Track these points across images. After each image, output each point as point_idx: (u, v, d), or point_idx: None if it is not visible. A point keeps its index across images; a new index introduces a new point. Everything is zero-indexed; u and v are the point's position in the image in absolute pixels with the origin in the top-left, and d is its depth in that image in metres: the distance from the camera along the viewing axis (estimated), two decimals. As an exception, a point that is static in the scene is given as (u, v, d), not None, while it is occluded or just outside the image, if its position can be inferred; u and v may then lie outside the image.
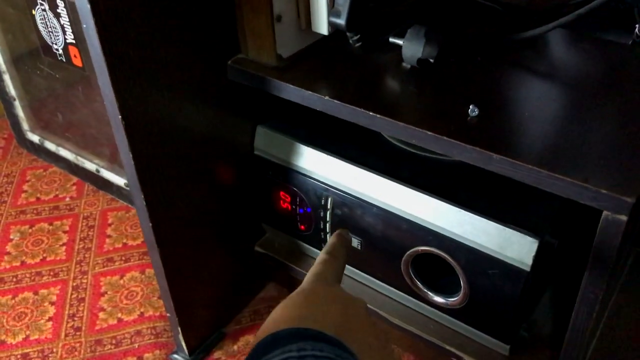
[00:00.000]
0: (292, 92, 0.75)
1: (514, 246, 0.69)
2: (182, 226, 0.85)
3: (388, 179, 0.78)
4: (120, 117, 0.68)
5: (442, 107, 0.70)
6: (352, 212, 0.82)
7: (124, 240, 1.20)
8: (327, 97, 0.72)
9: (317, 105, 0.74)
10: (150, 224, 0.79)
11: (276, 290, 1.08)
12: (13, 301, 1.09)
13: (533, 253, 0.68)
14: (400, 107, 0.71)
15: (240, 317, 1.04)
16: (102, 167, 1.27)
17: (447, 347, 0.83)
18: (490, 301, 0.75)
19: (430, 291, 0.81)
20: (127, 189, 1.24)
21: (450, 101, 0.71)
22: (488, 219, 0.71)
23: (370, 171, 0.80)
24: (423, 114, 0.69)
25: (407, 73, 0.76)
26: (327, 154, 0.83)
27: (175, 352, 0.97)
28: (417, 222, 0.76)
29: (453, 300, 0.79)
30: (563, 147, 0.63)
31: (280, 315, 0.44)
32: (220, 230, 0.93)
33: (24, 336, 1.02)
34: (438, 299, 0.81)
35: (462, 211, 0.72)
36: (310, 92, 0.73)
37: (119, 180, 1.24)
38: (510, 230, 0.69)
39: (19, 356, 0.99)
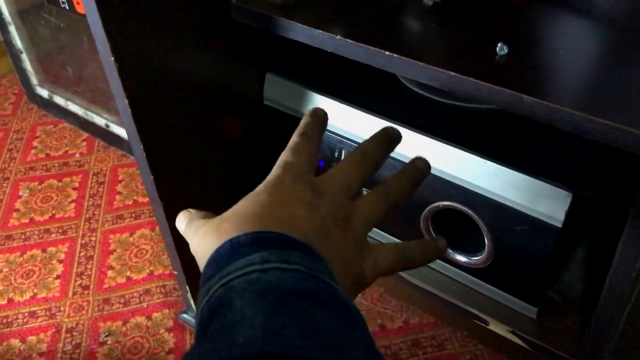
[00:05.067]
0: (300, 32, 0.68)
1: (544, 200, 0.63)
2: (187, 180, 0.80)
3: (406, 127, 0.72)
4: (112, 58, 0.63)
5: (467, 46, 0.63)
6: (367, 165, 0.76)
7: (135, 197, 1.16)
8: (338, 37, 0.65)
9: (327, 45, 0.67)
10: (152, 177, 0.74)
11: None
12: (21, 258, 1.06)
13: (566, 208, 0.62)
14: (421, 46, 0.64)
15: (253, 277, 0.99)
16: (112, 121, 1.22)
17: (470, 309, 0.78)
18: (517, 260, 0.69)
19: (452, 250, 0.75)
20: (137, 144, 1.19)
21: (476, 39, 0.64)
22: (516, 171, 0.64)
23: (387, 120, 0.73)
24: (446, 54, 0.62)
25: (428, 9, 0.69)
26: (341, 102, 0.77)
27: (185, 312, 0.93)
28: (438, 175, 0.70)
29: (476, 260, 0.73)
30: (603, 89, 0.56)
31: (240, 213, 0.37)
32: (227, 185, 0.88)
33: (32, 294, 1.00)
34: (460, 258, 0.75)
35: (488, 162, 0.66)
36: (320, 32, 0.66)
37: (129, 135, 1.20)
38: (541, 183, 0.63)
39: (26, 314, 0.96)
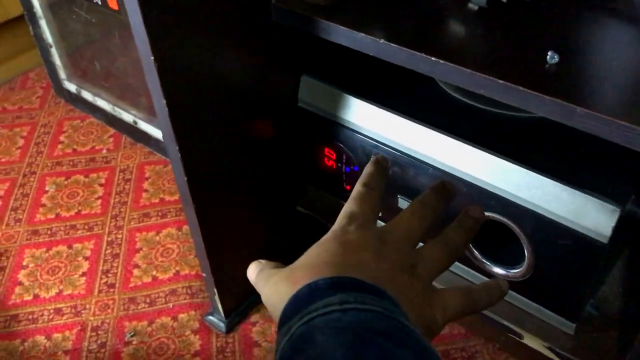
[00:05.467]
0: (342, 35, 0.67)
1: (590, 215, 0.61)
2: (219, 181, 0.79)
3: (446, 135, 0.70)
4: (152, 58, 0.62)
5: (516, 53, 0.61)
6: (404, 172, 0.75)
7: (161, 195, 1.15)
8: (382, 41, 0.64)
9: (370, 49, 0.65)
10: (185, 178, 0.73)
11: (318, 253, 1.02)
12: (47, 254, 1.06)
13: (612, 224, 0.60)
14: (467, 52, 0.63)
15: (280, 280, 0.98)
16: (140, 118, 1.22)
17: (504, 323, 0.76)
18: (558, 275, 0.67)
19: (489, 261, 0.73)
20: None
21: (525, 47, 0.62)
22: (561, 183, 0.62)
23: (426, 126, 0.72)
24: (493, 61, 0.60)
25: (474, 14, 0.67)
26: (378, 107, 0.75)
27: (211, 314, 0.92)
28: (478, 185, 0.68)
29: (515, 272, 0.71)
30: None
31: (311, 262, 0.40)
32: (259, 188, 0.87)
33: (57, 291, 0.99)
34: (498, 270, 0.73)
35: (532, 173, 0.64)
36: (363, 35, 0.65)
37: (157, 133, 1.19)
38: (587, 197, 0.61)
39: (51, 311, 0.96)
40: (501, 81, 0.56)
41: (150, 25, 0.60)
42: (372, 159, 0.51)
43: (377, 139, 0.76)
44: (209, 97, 0.71)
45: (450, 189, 0.51)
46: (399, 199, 0.78)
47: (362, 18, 0.67)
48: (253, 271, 0.47)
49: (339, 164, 0.83)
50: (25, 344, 0.91)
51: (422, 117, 0.73)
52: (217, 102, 0.73)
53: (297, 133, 0.85)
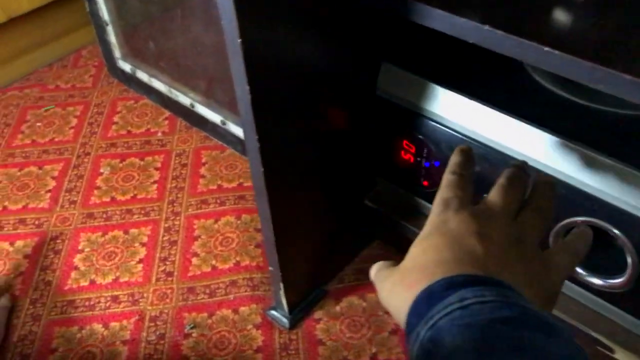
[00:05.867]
0: (439, 19, 0.61)
1: None
2: (293, 173, 0.75)
3: (545, 131, 0.65)
4: (240, 40, 0.57)
5: (636, 43, 0.55)
6: (494, 171, 0.69)
7: (219, 182, 1.12)
8: (487, 27, 0.58)
9: (471, 36, 0.60)
10: (262, 169, 0.69)
11: (381, 249, 0.98)
12: (103, 239, 1.03)
13: None
14: (583, 42, 0.57)
15: (343, 275, 0.94)
16: (197, 101, 1.18)
17: (594, 334, 0.71)
18: (665, 289, 0.62)
19: (585, 270, 0.68)
20: (223, 126, 1.15)
21: (648, 37, 0.56)
22: (679, 190, 0.57)
23: (521, 120, 0.66)
24: (615, 53, 0.55)
25: (586, 0, 0.61)
26: (467, 97, 0.70)
27: (274, 308, 0.89)
28: (579, 188, 0.63)
29: (614, 283, 0.66)
30: None
31: (421, 263, 0.41)
32: (329, 180, 0.83)
33: (114, 277, 0.97)
34: (594, 281, 0.67)
35: (644, 177, 0.58)
36: (464, 20, 0.59)
37: (215, 117, 1.15)
38: None
39: (108, 298, 0.93)
40: (628, 76, 0.51)
41: (240, 2, 0.55)
42: (456, 149, 0.51)
43: (465, 133, 0.71)
44: (289, 84, 0.67)
45: (523, 167, 0.51)
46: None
47: (458, 2, 0.62)
48: (373, 272, 0.48)
49: (418, 158, 0.78)
50: (83, 331, 0.89)
51: (516, 110, 0.67)
52: (297, 90, 0.69)
53: (374, 123, 0.81)
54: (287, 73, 0.66)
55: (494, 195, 0.47)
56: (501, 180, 0.48)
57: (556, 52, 0.54)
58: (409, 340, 0.36)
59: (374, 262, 0.93)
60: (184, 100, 1.20)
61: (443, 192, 0.47)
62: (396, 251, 0.97)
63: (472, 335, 0.32)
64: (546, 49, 0.55)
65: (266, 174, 0.69)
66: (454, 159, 0.50)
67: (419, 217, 0.85)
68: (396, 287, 0.41)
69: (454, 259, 0.39)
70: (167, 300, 0.92)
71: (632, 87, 0.51)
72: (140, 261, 0.99)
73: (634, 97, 0.52)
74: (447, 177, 0.48)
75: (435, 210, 0.45)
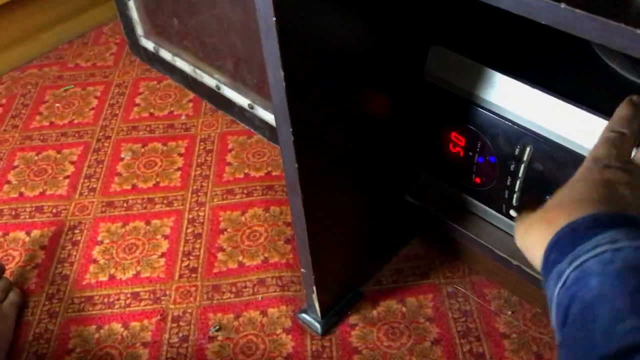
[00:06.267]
0: (506, -3, 0.53)
1: None
2: (330, 168, 0.68)
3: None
4: (274, 18, 0.50)
5: None
6: (559, 169, 0.61)
7: (246, 171, 1.05)
8: (563, 5, 0.49)
9: (543, 15, 0.51)
10: (296, 165, 0.61)
11: (422, 248, 0.90)
12: (123, 230, 0.97)
13: None
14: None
15: (380, 276, 0.87)
16: (223, 83, 1.11)
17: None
18: None
19: None
20: (251, 110, 1.07)
21: None
22: None
23: (592, 112, 0.57)
24: None
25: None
26: (527, 84, 0.62)
27: (305, 311, 0.82)
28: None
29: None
30: None
31: (565, 201, 0.38)
32: (368, 174, 0.75)
33: (135, 272, 0.90)
34: None
35: None
36: (538, -2, 0.51)
37: (242, 100, 1.08)
38: None
39: (128, 295, 0.87)
40: None
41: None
42: (625, 100, 0.47)
43: (526, 125, 0.63)
44: (329, 70, 0.59)
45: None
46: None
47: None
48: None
49: (470, 152, 0.69)
50: (101, 331, 0.83)
51: (585, 100, 0.59)
52: (337, 76, 0.61)
53: (420, 112, 0.72)
54: (326, 57, 0.58)
55: None
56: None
57: (649, 35, 0.46)
58: (546, 277, 0.35)
59: (414, 262, 0.87)
60: (210, 81, 1.13)
61: (596, 148, 0.44)
62: (438, 250, 0.89)
63: (625, 284, 0.30)
64: (639, 31, 0.46)
65: (300, 170, 0.62)
66: (619, 113, 0.46)
67: (467, 215, 0.77)
68: (534, 223, 0.39)
69: (599, 199, 0.37)
70: (191, 299, 0.86)
71: None
72: (163, 255, 0.92)
73: None
74: (604, 135, 0.45)
75: (585, 164, 0.43)
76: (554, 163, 0.62)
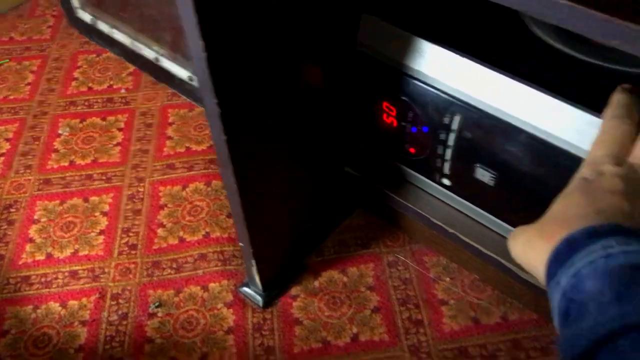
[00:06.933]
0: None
1: None
2: (262, 139, 0.67)
3: (546, 93, 0.56)
4: (190, -12, 0.48)
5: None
6: (488, 137, 0.62)
7: (187, 144, 1.03)
8: (484, -27, 0.49)
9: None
10: (225, 137, 0.60)
11: (364, 219, 0.90)
12: (61, 208, 0.95)
13: None
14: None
15: (323, 248, 0.87)
16: (163, 55, 1.08)
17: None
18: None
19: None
20: (192, 83, 1.05)
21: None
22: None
23: (520, 81, 0.58)
24: (633, 4, 0.46)
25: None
26: (457, 53, 0.62)
27: (246, 285, 0.82)
28: (583, 158, 0.55)
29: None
30: None
31: (562, 216, 0.39)
32: (305, 146, 0.74)
33: (73, 250, 0.89)
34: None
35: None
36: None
37: (182, 73, 1.06)
38: None
39: (66, 274, 0.86)
40: (650, 30, 0.42)
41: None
42: (619, 88, 0.46)
43: (455, 95, 0.63)
44: (254, 39, 0.58)
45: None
46: (478, 169, 0.65)
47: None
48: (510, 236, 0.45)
49: (402, 122, 0.70)
50: (38, 311, 0.81)
51: (513, 69, 0.59)
52: (263, 45, 0.59)
53: (354, 82, 0.72)
54: (250, 25, 0.57)
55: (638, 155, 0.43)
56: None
57: (563, 2, 0.46)
58: (549, 289, 0.36)
59: (356, 232, 0.87)
60: (149, 53, 1.10)
61: (595, 148, 0.44)
62: (379, 219, 0.89)
63: (612, 282, 0.32)
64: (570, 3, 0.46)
65: (230, 143, 0.61)
66: (615, 100, 0.45)
67: (405, 185, 0.78)
68: (533, 239, 0.40)
69: (596, 212, 0.38)
70: (130, 276, 0.84)
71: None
72: (101, 232, 0.91)
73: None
74: (604, 126, 0.44)
75: (582, 168, 0.43)
76: (482, 131, 0.62)
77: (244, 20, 0.55)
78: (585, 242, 0.35)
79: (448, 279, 0.82)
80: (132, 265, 0.86)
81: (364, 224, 0.89)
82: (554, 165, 0.58)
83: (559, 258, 0.36)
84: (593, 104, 0.54)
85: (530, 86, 0.57)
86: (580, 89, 0.56)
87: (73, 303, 0.82)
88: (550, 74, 0.59)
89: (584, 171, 0.43)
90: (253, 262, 0.75)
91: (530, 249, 0.40)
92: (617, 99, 0.46)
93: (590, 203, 0.39)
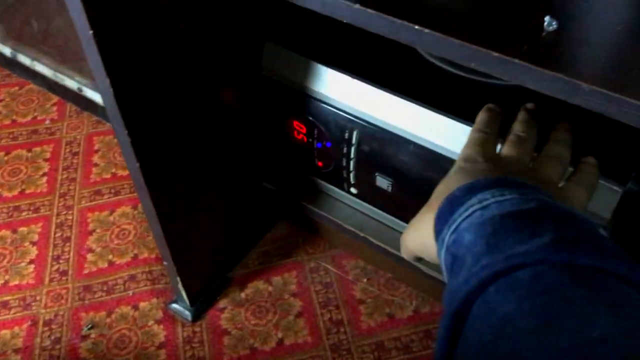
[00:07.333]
0: (311, -2, 0.59)
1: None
2: (178, 161, 0.71)
3: (429, 109, 0.63)
4: (91, 32, 0.52)
5: (509, 20, 0.54)
6: (383, 149, 0.68)
7: (113, 170, 1.06)
8: (357, 5, 0.55)
9: (343, 15, 0.57)
10: (138, 164, 0.64)
11: (287, 229, 0.96)
12: (-11, 240, 0.96)
13: (614, 205, 0.55)
14: (455, 19, 0.55)
15: (247, 260, 0.92)
16: (85, 85, 1.11)
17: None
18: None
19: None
20: (114, 110, 1.08)
21: (518, 12, 0.55)
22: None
23: (407, 99, 0.65)
24: (485, 29, 0.53)
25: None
26: (353, 77, 0.68)
27: (175, 301, 0.86)
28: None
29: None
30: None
31: (443, 190, 0.42)
32: (223, 164, 0.79)
33: (3, 281, 0.91)
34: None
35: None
36: (335, -1, 0.57)
37: (104, 101, 1.09)
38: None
39: (-3, 304, 0.88)
40: (495, 53, 0.49)
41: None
42: (484, 108, 0.53)
43: (352, 113, 0.69)
44: (161, 70, 0.63)
45: (533, 110, 0.53)
46: (377, 177, 0.71)
47: (332, -22, 0.59)
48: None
49: (310, 139, 0.75)
50: (-29, 343, 0.83)
51: (403, 89, 0.65)
52: (171, 75, 0.64)
53: (263, 104, 0.77)
54: (157, 58, 0.61)
55: (507, 149, 0.48)
56: (512, 136, 0.50)
57: (426, 30, 0.52)
58: (437, 246, 0.38)
59: (279, 243, 0.92)
60: (71, 84, 1.13)
61: (466, 149, 0.48)
62: (301, 230, 0.95)
63: (484, 233, 0.33)
64: (417, 27, 0.53)
65: (143, 169, 0.65)
66: (480, 117, 0.52)
67: (319, 195, 0.84)
68: (422, 216, 0.43)
69: (472, 172, 0.42)
70: (62, 302, 0.87)
71: (499, 65, 0.50)
72: (32, 262, 0.93)
73: (503, 74, 0.51)
74: (471, 136, 0.50)
75: (457, 163, 0.47)
76: (377, 144, 0.68)
77: (148, 54, 0.60)
78: (465, 197, 0.37)
79: (365, 280, 0.88)
80: (64, 291, 0.88)
81: (286, 234, 0.95)
82: (439, 169, 0.65)
83: (442, 216, 0.38)
84: (470, 115, 0.61)
85: (416, 103, 0.64)
86: (460, 102, 0.63)
87: (5, 333, 0.84)
88: (433, 91, 0.65)
89: (459, 163, 0.47)
90: (178, 279, 0.80)
91: (420, 227, 0.43)
92: (481, 116, 0.52)
93: (467, 176, 0.42)
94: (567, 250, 0.30)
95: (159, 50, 0.61)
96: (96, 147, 1.10)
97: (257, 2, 0.70)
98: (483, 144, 0.48)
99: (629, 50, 0.51)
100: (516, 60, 0.49)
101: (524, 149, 0.49)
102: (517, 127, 0.51)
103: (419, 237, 0.44)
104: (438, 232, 0.38)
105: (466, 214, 0.35)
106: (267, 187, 0.87)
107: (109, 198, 1.01)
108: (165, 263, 0.78)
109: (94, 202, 1.01)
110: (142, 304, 0.86)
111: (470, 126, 0.61)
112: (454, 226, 0.36)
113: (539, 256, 0.29)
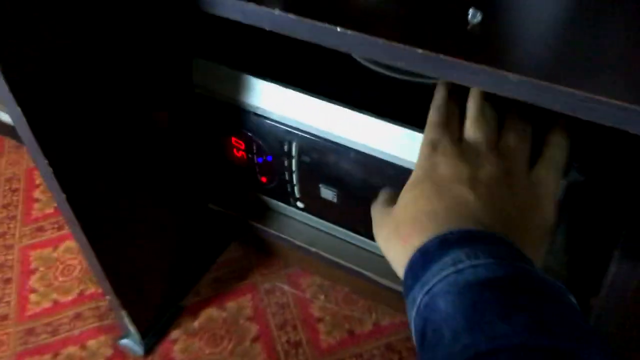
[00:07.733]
0: (229, 7, 0.56)
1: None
2: (111, 189, 0.68)
3: (367, 114, 0.61)
4: (-9, 59, 0.49)
5: (434, 15, 0.53)
6: (323, 159, 0.66)
7: (55, 204, 1.01)
8: (277, 11, 0.53)
9: (264, 22, 0.55)
10: (64, 195, 0.61)
11: (239, 251, 0.92)
12: None
13: (560, 198, 0.53)
14: (378, 19, 0.53)
15: (199, 287, 0.88)
16: (20, 118, 1.06)
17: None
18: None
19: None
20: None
21: (444, 6, 0.53)
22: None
23: (344, 106, 0.63)
24: (408, 27, 0.51)
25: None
26: (287, 87, 0.66)
27: (125, 337, 0.81)
28: (406, 167, 0.60)
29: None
30: (603, 61, 0.46)
31: (414, 214, 0.41)
32: (162, 188, 0.76)
33: (-62, 332, 0.85)
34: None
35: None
36: (254, 5, 0.54)
37: (42, 133, 1.05)
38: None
39: None
40: (420, 50, 0.47)
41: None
42: (438, 84, 0.50)
43: (289, 124, 0.67)
44: (77, 94, 0.59)
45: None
46: (322, 189, 0.69)
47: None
48: (373, 204, 0.49)
49: (250, 155, 0.73)
50: None
51: (339, 96, 0.63)
52: (92, 100, 0.61)
53: (199, 123, 0.74)
54: (75, 83, 0.58)
55: (472, 130, 0.46)
56: (472, 113, 0.47)
57: (349, 32, 0.50)
58: (407, 301, 0.37)
59: (231, 266, 0.89)
60: (7, 118, 1.08)
61: (429, 131, 0.46)
62: (255, 251, 0.92)
63: (462, 303, 0.33)
64: (339, 30, 0.51)
65: (70, 200, 0.62)
66: (438, 93, 0.50)
67: (267, 212, 0.81)
68: (391, 238, 0.42)
69: (445, 210, 0.40)
70: (4, 348, 0.82)
71: (425, 62, 0.48)
72: (-30, 308, 0.88)
73: (431, 71, 0.49)
74: (432, 114, 0.48)
75: (424, 151, 0.45)
76: (318, 154, 0.66)
77: (62, 79, 0.57)
78: (437, 252, 0.36)
79: (323, 297, 0.85)
80: (5, 337, 0.83)
81: (239, 257, 0.92)
82: (383, 176, 0.63)
83: (413, 270, 0.37)
84: (409, 117, 0.59)
85: (354, 109, 0.62)
86: (399, 106, 0.61)
87: (-58, 389, 0.79)
88: (371, 96, 0.63)
89: (425, 153, 0.45)
90: (124, 313, 0.76)
91: (391, 247, 0.42)
92: (439, 93, 0.50)
93: (439, 197, 0.41)
94: (547, 334, 0.30)
95: (74, 75, 0.58)
96: (37, 181, 1.06)
97: (179, 19, 0.68)
98: (446, 124, 0.47)
99: (558, 38, 0.49)
100: (441, 56, 0.47)
101: (489, 126, 0.47)
102: (474, 105, 0.49)
103: (388, 258, 0.43)
104: (409, 287, 0.37)
105: (439, 276, 0.35)
106: (213, 209, 0.83)
107: (52, 234, 0.97)
108: (107, 297, 0.74)
109: (36, 239, 0.96)
110: (90, 342, 0.82)
111: (411, 130, 0.59)
112: (426, 287, 0.35)
113: (518, 341, 0.30)
